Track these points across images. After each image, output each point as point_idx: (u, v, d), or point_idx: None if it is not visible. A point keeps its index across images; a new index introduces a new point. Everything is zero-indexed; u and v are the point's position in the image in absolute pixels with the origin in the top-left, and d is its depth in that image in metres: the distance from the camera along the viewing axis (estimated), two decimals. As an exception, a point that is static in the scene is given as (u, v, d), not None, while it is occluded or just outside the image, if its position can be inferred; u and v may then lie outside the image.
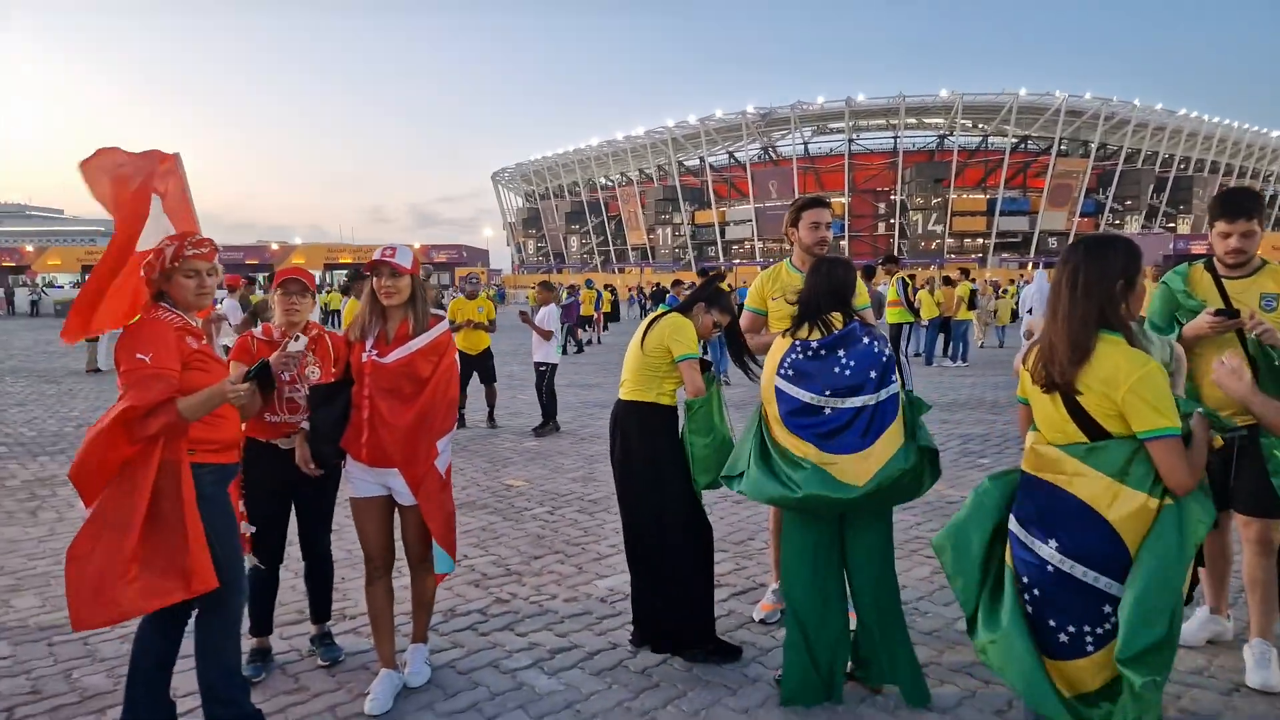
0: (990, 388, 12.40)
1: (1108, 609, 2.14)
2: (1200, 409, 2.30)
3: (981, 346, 19.04)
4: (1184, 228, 69.45)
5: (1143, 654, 2.02)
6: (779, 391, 3.10)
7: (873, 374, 3.06)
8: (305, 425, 3.27)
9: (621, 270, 78.70)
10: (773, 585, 4.04)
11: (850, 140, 74.21)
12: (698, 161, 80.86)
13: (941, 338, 16.19)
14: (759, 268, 61.98)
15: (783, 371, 3.13)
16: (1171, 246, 42.24)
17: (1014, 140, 71.42)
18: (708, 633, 3.48)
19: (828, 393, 3.04)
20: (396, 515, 3.29)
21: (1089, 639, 2.17)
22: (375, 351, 3.14)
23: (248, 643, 3.43)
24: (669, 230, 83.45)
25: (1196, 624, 3.56)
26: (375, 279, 3.13)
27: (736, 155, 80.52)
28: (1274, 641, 3.24)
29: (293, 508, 3.55)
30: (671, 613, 3.43)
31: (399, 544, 3.33)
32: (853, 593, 3.21)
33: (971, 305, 16.96)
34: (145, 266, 2.77)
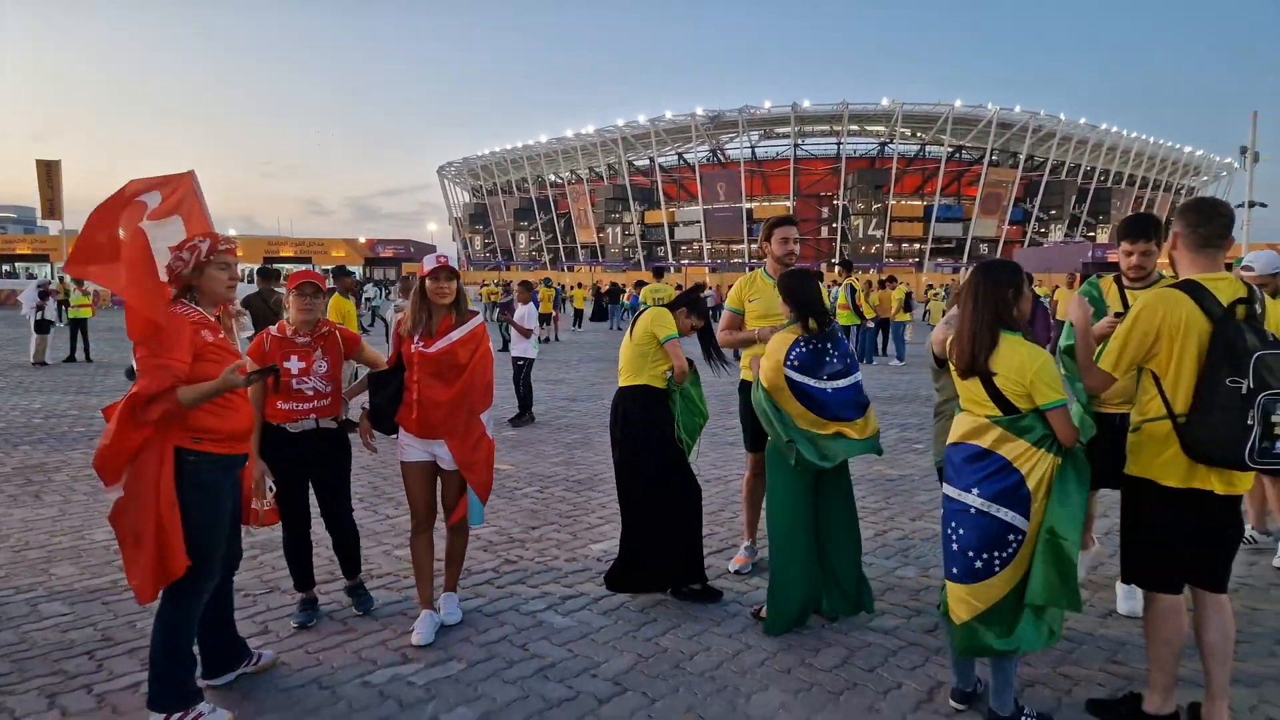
0: (925, 385, 13.37)
1: (1011, 538, 2.88)
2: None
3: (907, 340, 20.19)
4: (1102, 237, 72.61)
5: (1055, 588, 2.79)
6: (791, 380, 3.80)
7: (850, 360, 3.91)
8: (366, 405, 3.91)
9: (571, 269, 79.11)
10: (745, 543, 4.79)
11: (796, 145, 75.81)
12: (647, 162, 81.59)
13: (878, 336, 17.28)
14: (707, 269, 62.98)
15: (790, 363, 3.82)
16: (1090, 254, 44.21)
17: (949, 149, 73.84)
18: (698, 572, 4.21)
19: (826, 377, 3.81)
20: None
21: (997, 563, 2.91)
22: (422, 344, 3.78)
23: (295, 596, 4.05)
24: (619, 229, 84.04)
25: (1083, 566, 4.38)
26: (431, 281, 3.76)
27: (685, 157, 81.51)
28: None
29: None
30: (670, 557, 4.15)
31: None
32: (829, 536, 3.95)
33: (907, 308, 18.07)
34: (177, 262, 3.06)
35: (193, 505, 2.98)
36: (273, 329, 3.93)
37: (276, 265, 13.98)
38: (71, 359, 15.85)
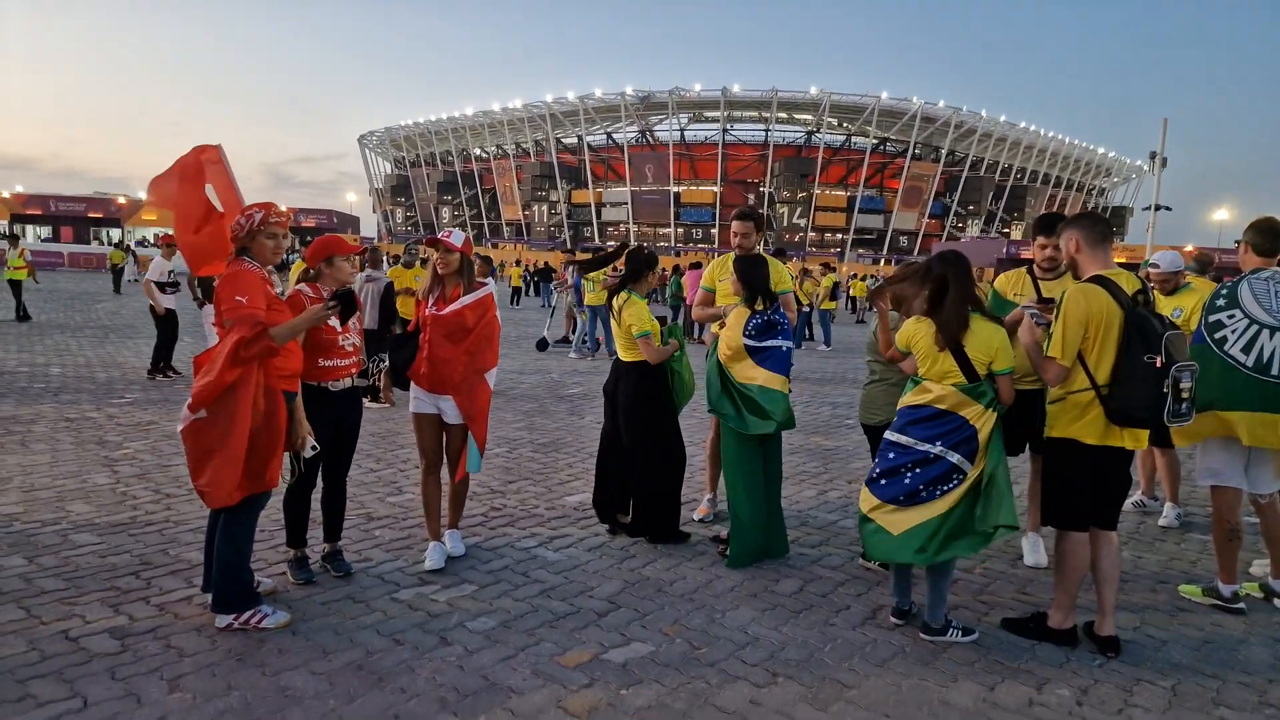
0: (852, 369, 14.31)
1: (955, 475, 3.55)
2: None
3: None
4: (1016, 234, 75.98)
5: (999, 511, 3.50)
6: (750, 347, 4.51)
7: (786, 325, 4.64)
8: (385, 364, 4.37)
9: (496, 245, 78.61)
10: (707, 495, 5.42)
11: (725, 130, 76.75)
12: (575, 140, 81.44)
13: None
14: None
15: (748, 332, 4.52)
16: (1005, 250, 46.34)
17: (874, 141, 75.94)
18: (675, 521, 4.83)
19: (780, 338, 4.53)
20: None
21: (938, 492, 3.56)
22: (435, 308, 4.27)
23: (289, 552, 4.14)
24: (545, 208, 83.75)
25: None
26: (434, 252, 4.26)
27: (614, 136, 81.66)
28: (1041, 534, 4.83)
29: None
30: (654, 507, 4.76)
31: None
32: (771, 487, 4.63)
33: (833, 296, 19.04)
34: (233, 227, 3.63)
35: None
36: (305, 288, 4.12)
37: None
38: (20, 318, 15.68)
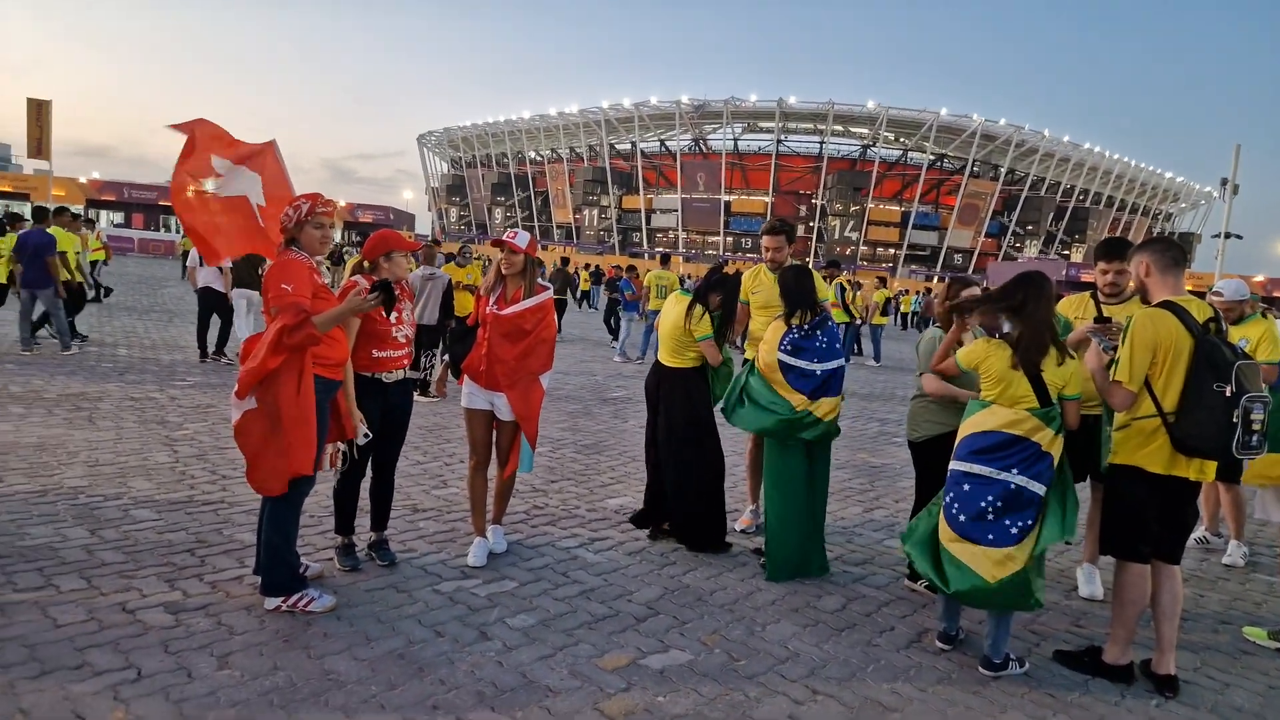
0: (901, 385, 14.11)
1: (1034, 508, 3.42)
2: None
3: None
4: (1077, 256, 74.28)
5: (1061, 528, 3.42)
6: (784, 364, 4.46)
7: (838, 345, 4.58)
8: (446, 357, 4.41)
9: (546, 248, 79.24)
10: (750, 506, 5.38)
11: (779, 141, 76.43)
12: (629, 146, 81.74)
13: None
14: (681, 258, 63.41)
15: (784, 348, 4.47)
16: (1065, 273, 45.28)
17: (931, 157, 74.96)
18: (717, 530, 4.80)
19: (816, 360, 4.41)
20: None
21: (1027, 528, 3.41)
22: (496, 306, 4.30)
23: (336, 539, 4.21)
24: (595, 212, 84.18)
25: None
26: (500, 252, 4.29)
27: (668, 144, 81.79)
28: (1098, 565, 4.70)
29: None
30: (696, 514, 4.75)
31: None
32: (817, 502, 4.57)
33: (885, 312, 18.81)
34: (282, 218, 3.70)
35: None
36: (361, 280, 4.18)
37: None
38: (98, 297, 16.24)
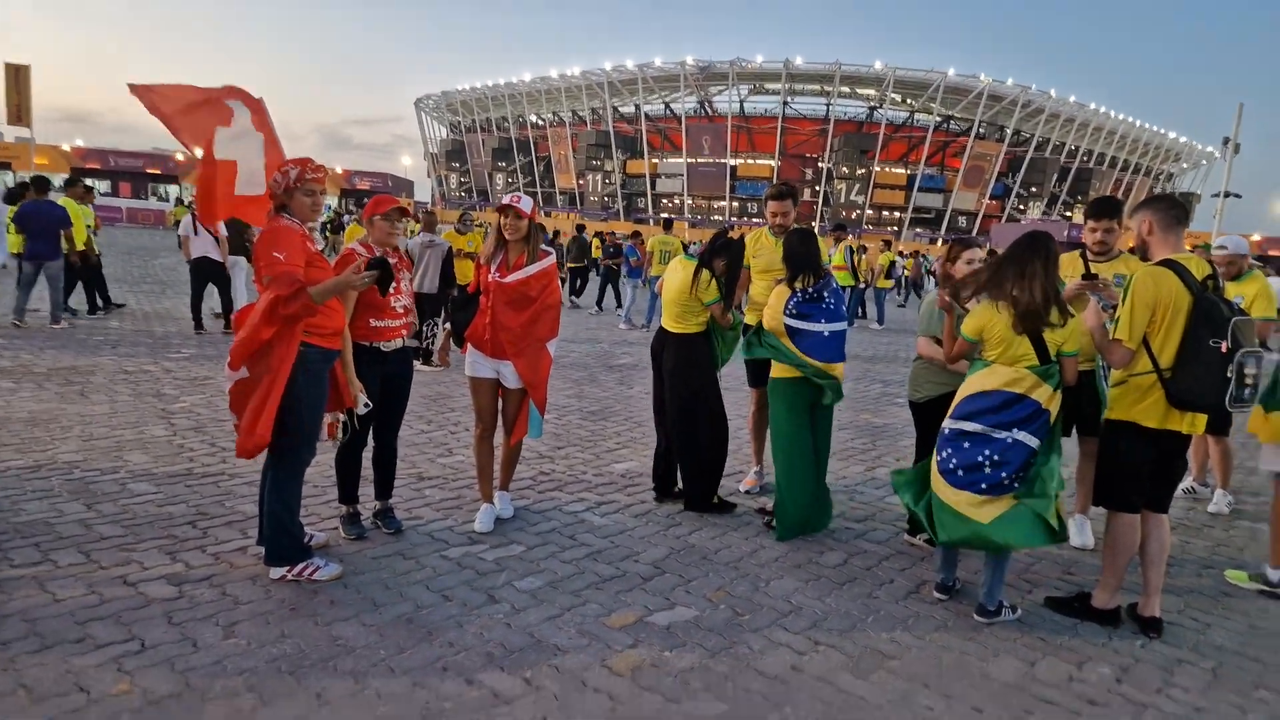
0: (904, 347, 14.10)
1: (1032, 460, 3.47)
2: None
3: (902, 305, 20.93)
4: (1078, 217, 73.55)
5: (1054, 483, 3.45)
6: (790, 327, 4.46)
7: (844, 308, 4.58)
8: (448, 325, 4.41)
9: (549, 214, 78.84)
10: (754, 468, 5.43)
11: (785, 103, 75.56)
12: (633, 109, 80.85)
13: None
14: (687, 224, 63.05)
15: (789, 312, 4.47)
16: (1066, 234, 45.02)
17: (938, 119, 74.12)
18: (714, 491, 4.84)
19: (824, 320, 4.42)
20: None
21: (1015, 478, 3.47)
22: (499, 274, 4.28)
23: (341, 509, 4.22)
24: (599, 177, 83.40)
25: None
26: (502, 218, 4.26)
27: (672, 107, 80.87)
28: (1089, 516, 4.74)
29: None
30: (696, 478, 4.78)
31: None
32: (820, 460, 4.62)
33: (889, 275, 18.73)
34: (271, 184, 3.63)
35: (304, 387, 3.48)
36: (359, 247, 4.16)
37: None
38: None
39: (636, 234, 16.42)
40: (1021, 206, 77.58)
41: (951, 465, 3.57)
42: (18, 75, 21.82)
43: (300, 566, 3.58)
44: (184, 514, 4.31)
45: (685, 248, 13.85)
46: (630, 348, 11.75)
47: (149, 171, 52.76)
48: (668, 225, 14.55)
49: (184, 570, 3.65)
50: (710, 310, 4.74)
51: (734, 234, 5.02)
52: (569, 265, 17.34)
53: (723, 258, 4.79)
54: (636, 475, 5.46)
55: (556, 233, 30.59)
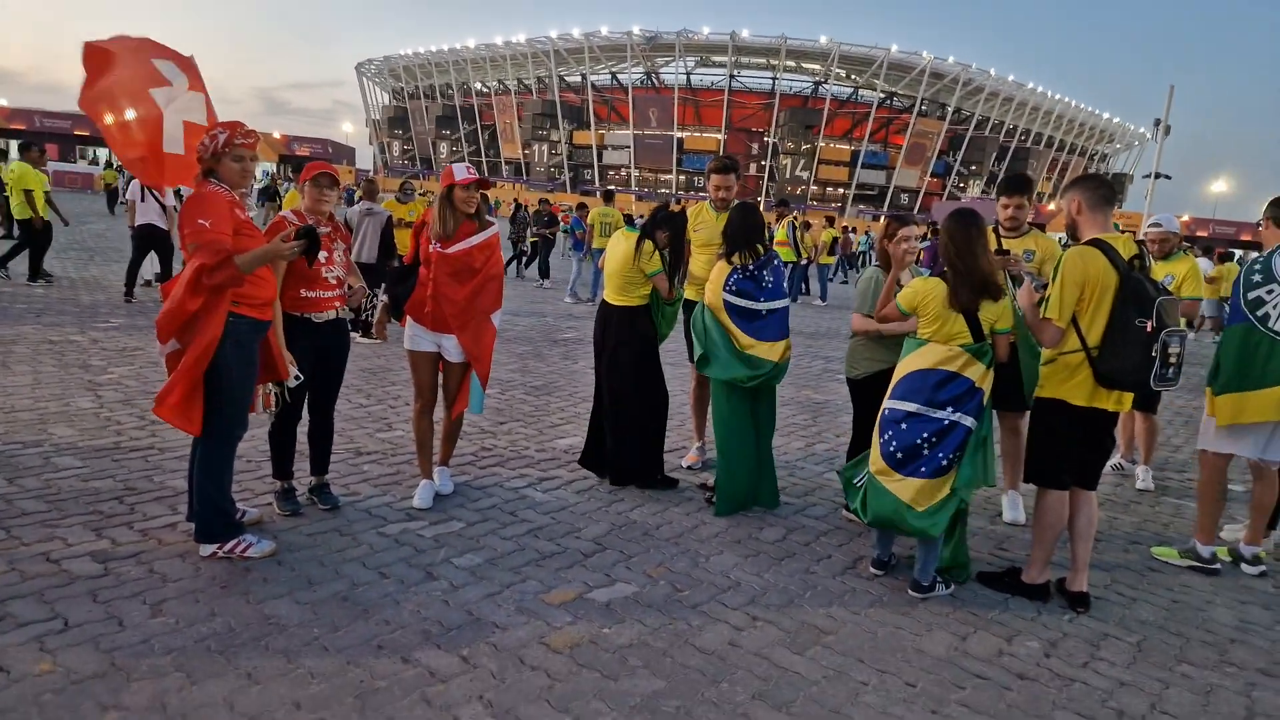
0: (845, 324, 14.28)
1: (965, 439, 3.54)
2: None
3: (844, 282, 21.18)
4: (1018, 196, 75.14)
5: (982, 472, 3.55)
6: (729, 304, 4.45)
7: (785, 285, 4.57)
8: (384, 298, 4.31)
9: (494, 185, 77.66)
10: (695, 444, 5.45)
11: (732, 76, 75.47)
12: (579, 78, 79.97)
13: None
14: (634, 196, 62.83)
15: (728, 288, 4.46)
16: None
17: (881, 95, 74.85)
18: (659, 467, 4.84)
19: (762, 299, 4.41)
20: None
21: (956, 460, 3.55)
22: (440, 245, 4.19)
23: (275, 484, 4.13)
24: (545, 147, 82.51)
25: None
26: (463, 191, 4.14)
27: (619, 77, 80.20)
28: (1020, 491, 4.88)
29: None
30: (637, 454, 4.77)
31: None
32: (762, 437, 4.64)
33: (832, 251, 18.93)
34: (198, 148, 3.48)
35: (233, 360, 3.37)
36: (290, 214, 4.05)
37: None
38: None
39: (582, 206, 16.21)
40: (962, 185, 79.03)
41: (892, 448, 3.62)
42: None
43: (231, 543, 3.49)
44: (111, 489, 4.17)
45: (629, 220, 13.79)
46: (575, 322, 11.68)
47: (77, 133, 50.31)
48: (609, 197, 14.40)
49: (110, 547, 3.53)
50: (653, 281, 4.71)
51: (676, 208, 4.99)
52: (531, 239, 16.90)
53: (665, 230, 4.77)
54: (579, 451, 5.44)
55: (498, 203, 29.91)
